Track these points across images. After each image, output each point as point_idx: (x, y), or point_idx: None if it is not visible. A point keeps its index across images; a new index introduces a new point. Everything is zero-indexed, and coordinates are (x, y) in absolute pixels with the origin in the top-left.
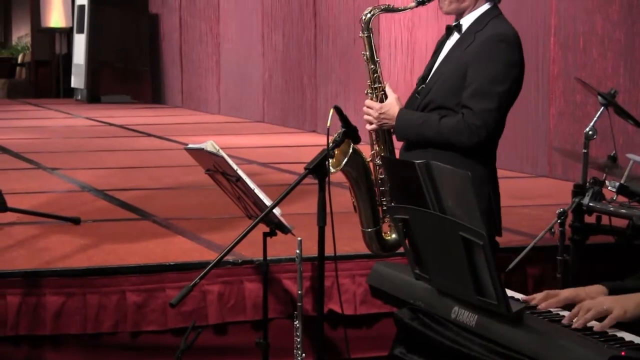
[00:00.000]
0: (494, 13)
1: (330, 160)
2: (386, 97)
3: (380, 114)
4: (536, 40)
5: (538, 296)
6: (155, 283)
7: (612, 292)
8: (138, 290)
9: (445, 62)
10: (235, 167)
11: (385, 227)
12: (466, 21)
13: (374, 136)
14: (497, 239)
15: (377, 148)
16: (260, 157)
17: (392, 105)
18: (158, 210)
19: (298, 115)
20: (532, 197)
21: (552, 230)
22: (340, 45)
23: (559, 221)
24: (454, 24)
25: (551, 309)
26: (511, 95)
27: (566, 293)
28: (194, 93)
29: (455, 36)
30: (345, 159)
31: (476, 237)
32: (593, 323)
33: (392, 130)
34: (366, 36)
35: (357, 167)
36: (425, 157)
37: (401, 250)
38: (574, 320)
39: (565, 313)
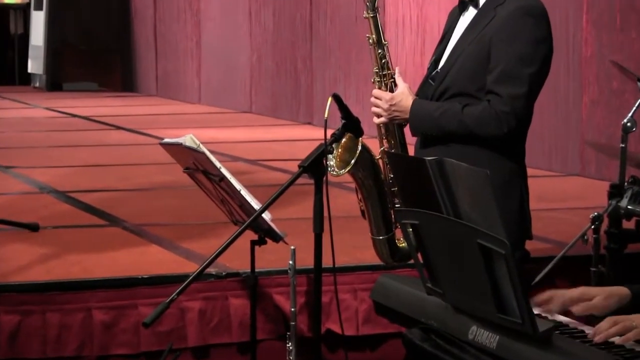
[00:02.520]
0: None
1: (334, 161)
2: (396, 86)
3: (390, 105)
4: (565, 18)
5: (541, 297)
6: (126, 299)
7: (635, 293)
8: (106, 307)
9: (463, 42)
10: (218, 164)
11: (399, 232)
12: None
13: (383, 130)
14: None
15: (387, 144)
16: (247, 153)
17: (405, 95)
18: (129, 215)
19: (291, 104)
20: (561, 199)
21: (585, 237)
22: (340, 24)
23: (592, 227)
24: None
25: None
26: (541, 78)
27: (575, 293)
28: (170, 79)
29: (472, 11)
30: (354, 159)
31: (497, 245)
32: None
33: (404, 123)
34: (372, 17)
35: (365, 167)
36: (447, 154)
37: (411, 261)
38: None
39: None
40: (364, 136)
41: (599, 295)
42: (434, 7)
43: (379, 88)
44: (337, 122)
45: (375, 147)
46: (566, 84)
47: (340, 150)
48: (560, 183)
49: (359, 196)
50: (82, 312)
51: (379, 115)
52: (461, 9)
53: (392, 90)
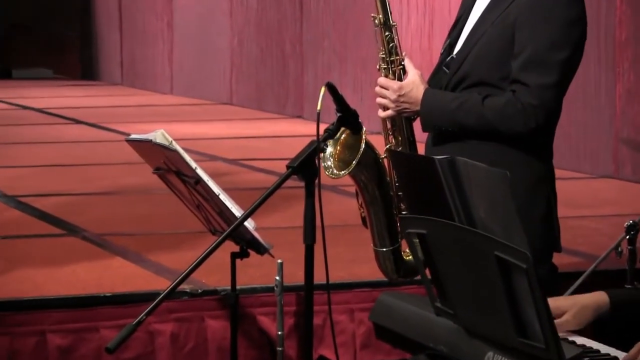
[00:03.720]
0: None
1: (332, 160)
2: (405, 74)
3: (399, 95)
4: None
5: None
6: (87, 321)
7: (615, 301)
8: (63, 330)
9: (482, 23)
10: (193, 164)
11: (406, 244)
12: None
13: (389, 125)
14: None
15: (394, 140)
16: (227, 151)
17: (415, 84)
18: (90, 223)
19: (278, 95)
20: (591, 204)
21: (619, 249)
22: (335, 2)
23: (627, 237)
24: None
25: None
26: (574, 65)
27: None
28: (137, 66)
29: None
30: (357, 158)
31: (517, 257)
32: None
33: (413, 117)
34: None
35: (369, 167)
36: (463, 152)
37: (419, 276)
38: None
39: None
40: (365, 131)
41: (569, 310)
42: None
43: (386, 76)
44: (332, 116)
45: (379, 144)
46: (597, 73)
47: (339, 147)
48: (590, 186)
49: (360, 201)
50: (35, 336)
51: (385, 108)
52: None
53: (400, 79)
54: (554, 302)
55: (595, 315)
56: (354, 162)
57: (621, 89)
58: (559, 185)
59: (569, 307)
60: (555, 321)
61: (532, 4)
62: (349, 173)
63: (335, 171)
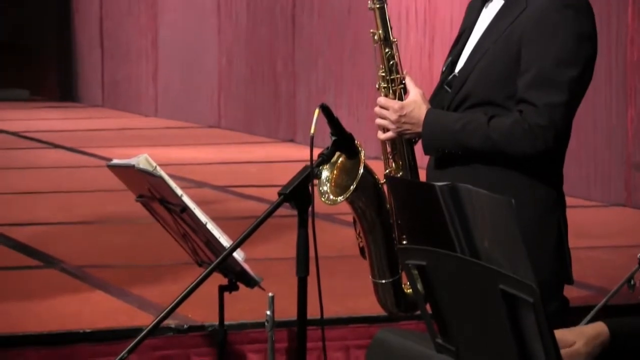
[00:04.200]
0: None
1: (328, 185)
2: (406, 94)
3: (400, 116)
4: (606, 12)
5: None
6: (65, 359)
7: (614, 332)
8: None
9: (486, 40)
10: (179, 192)
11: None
12: None
13: (388, 148)
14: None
15: (394, 165)
16: (215, 177)
17: (417, 104)
18: (69, 254)
19: (269, 118)
20: (602, 234)
21: (632, 282)
22: (330, 18)
23: None
24: None
25: None
26: (584, 83)
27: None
28: (120, 86)
29: (497, 2)
30: (355, 183)
31: (524, 291)
32: None
33: (414, 139)
34: (378, 7)
35: (367, 193)
36: (467, 177)
37: (419, 311)
38: None
39: None
40: (364, 155)
41: (577, 340)
42: None
43: (386, 95)
44: (326, 140)
45: (379, 169)
46: (607, 93)
47: (336, 172)
48: (601, 215)
49: (358, 230)
50: None
51: (385, 129)
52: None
53: (401, 99)
54: (558, 335)
55: (602, 346)
56: (351, 187)
57: (633, 112)
58: (569, 213)
59: (576, 338)
60: (567, 351)
61: (539, 18)
62: (346, 199)
63: (331, 197)
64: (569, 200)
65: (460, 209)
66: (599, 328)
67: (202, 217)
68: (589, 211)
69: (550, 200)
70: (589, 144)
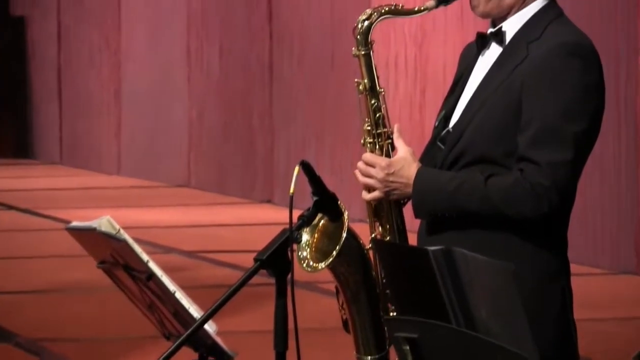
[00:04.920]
0: (553, 13)
1: (308, 251)
2: (394, 150)
3: (387, 174)
4: (616, 59)
5: None
6: None
7: None
8: None
9: (483, 91)
10: (145, 257)
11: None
12: (511, 26)
13: (375, 210)
14: None
15: (381, 229)
16: (184, 242)
17: (407, 161)
18: (25, 326)
19: (244, 176)
20: (611, 305)
21: None
22: (311, 66)
23: None
24: (490, 30)
25: None
26: (591, 139)
27: None
28: (80, 142)
29: (495, 49)
30: (337, 248)
31: None
32: None
33: (403, 200)
34: (364, 54)
35: (352, 260)
36: (463, 243)
37: None
38: None
39: None
40: (348, 218)
41: None
42: (437, 43)
43: (372, 152)
44: (307, 200)
45: (364, 233)
46: (616, 148)
47: (317, 235)
48: (609, 284)
49: (341, 300)
50: None
51: (371, 189)
52: (480, 45)
53: (389, 155)
54: None
55: None
56: (334, 252)
57: None
58: (574, 282)
59: None
60: None
61: (542, 67)
62: (328, 266)
63: (312, 263)
64: (574, 268)
65: (455, 276)
66: None
67: (170, 285)
68: (596, 279)
69: (554, 267)
70: (595, 205)
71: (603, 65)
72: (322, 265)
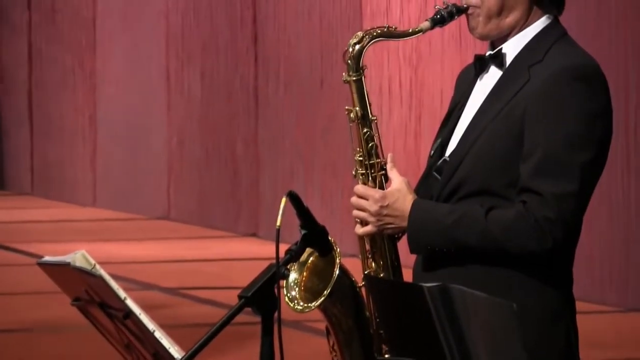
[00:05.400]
0: (557, 34)
1: (297, 290)
2: (388, 181)
3: (381, 207)
4: (625, 82)
5: None
6: None
7: None
8: None
9: (482, 118)
10: (122, 294)
11: None
12: (512, 48)
13: (367, 245)
14: None
15: (374, 264)
16: (164, 278)
17: (401, 193)
18: None
19: (227, 208)
20: (618, 344)
21: None
22: (299, 91)
23: None
24: (489, 53)
25: None
26: (597, 168)
27: None
28: (52, 171)
29: (495, 73)
30: (329, 287)
31: None
32: None
33: (398, 235)
34: (355, 79)
35: (344, 299)
36: (462, 280)
37: None
38: None
39: None
40: (339, 253)
41: None
42: (434, 66)
43: (364, 183)
44: (295, 234)
45: (356, 269)
46: (625, 181)
47: (306, 273)
48: (617, 322)
49: (332, 341)
50: None
51: (363, 223)
52: (478, 69)
53: (382, 187)
54: None
55: None
56: (325, 292)
57: None
58: (578, 320)
59: None
60: None
61: (545, 93)
62: (318, 307)
63: (301, 303)
64: (579, 305)
65: (453, 314)
66: None
67: (149, 324)
68: (603, 317)
69: (558, 305)
70: (602, 238)
71: (611, 89)
72: (312, 305)
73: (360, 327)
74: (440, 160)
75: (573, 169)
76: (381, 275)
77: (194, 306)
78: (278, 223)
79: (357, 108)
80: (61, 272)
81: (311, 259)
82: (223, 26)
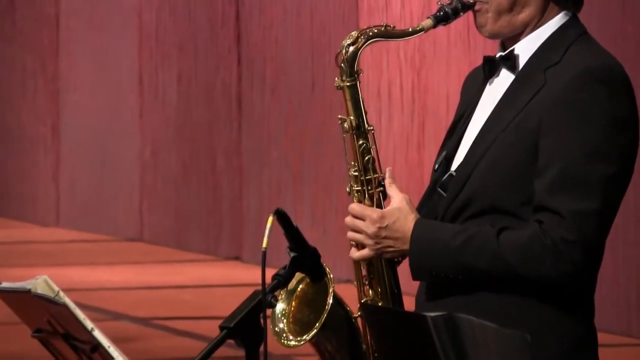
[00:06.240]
0: (575, 32)
1: (285, 322)
2: (386, 199)
3: (380, 228)
4: None
5: None
6: None
7: None
8: None
9: (492, 128)
10: (89, 325)
11: None
12: (525, 48)
13: (364, 270)
14: None
15: (371, 292)
16: (136, 306)
17: (402, 212)
18: None
19: (207, 228)
20: None
21: None
22: (288, 96)
23: None
24: (500, 54)
25: None
26: (621, 183)
27: None
28: (11, 187)
29: (506, 76)
30: (321, 320)
31: None
32: None
33: (398, 259)
34: (349, 85)
35: (338, 332)
36: (472, 310)
37: None
38: None
39: None
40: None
41: None
42: (439, 68)
43: (359, 201)
44: (282, 257)
45: (351, 297)
46: None
47: (295, 303)
48: (634, 355)
49: None
50: None
51: (360, 245)
52: (488, 72)
53: (380, 206)
54: None
55: None
56: (317, 324)
57: None
58: (604, 353)
59: None
60: None
61: (563, 99)
62: (310, 341)
63: (290, 337)
64: (602, 337)
65: (459, 346)
66: None
67: (120, 358)
68: (628, 351)
69: (578, 336)
70: (627, 263)
71: (636, 93)
72: (302, 339)
73: None
74: (446, 175)
75: (594, 184)
76: (379, 304)
77: (169, 338)
78: (264, 245)
79: (352, 117)
80: (20, 300)
81: (301, 286)
82: (202, 24)
